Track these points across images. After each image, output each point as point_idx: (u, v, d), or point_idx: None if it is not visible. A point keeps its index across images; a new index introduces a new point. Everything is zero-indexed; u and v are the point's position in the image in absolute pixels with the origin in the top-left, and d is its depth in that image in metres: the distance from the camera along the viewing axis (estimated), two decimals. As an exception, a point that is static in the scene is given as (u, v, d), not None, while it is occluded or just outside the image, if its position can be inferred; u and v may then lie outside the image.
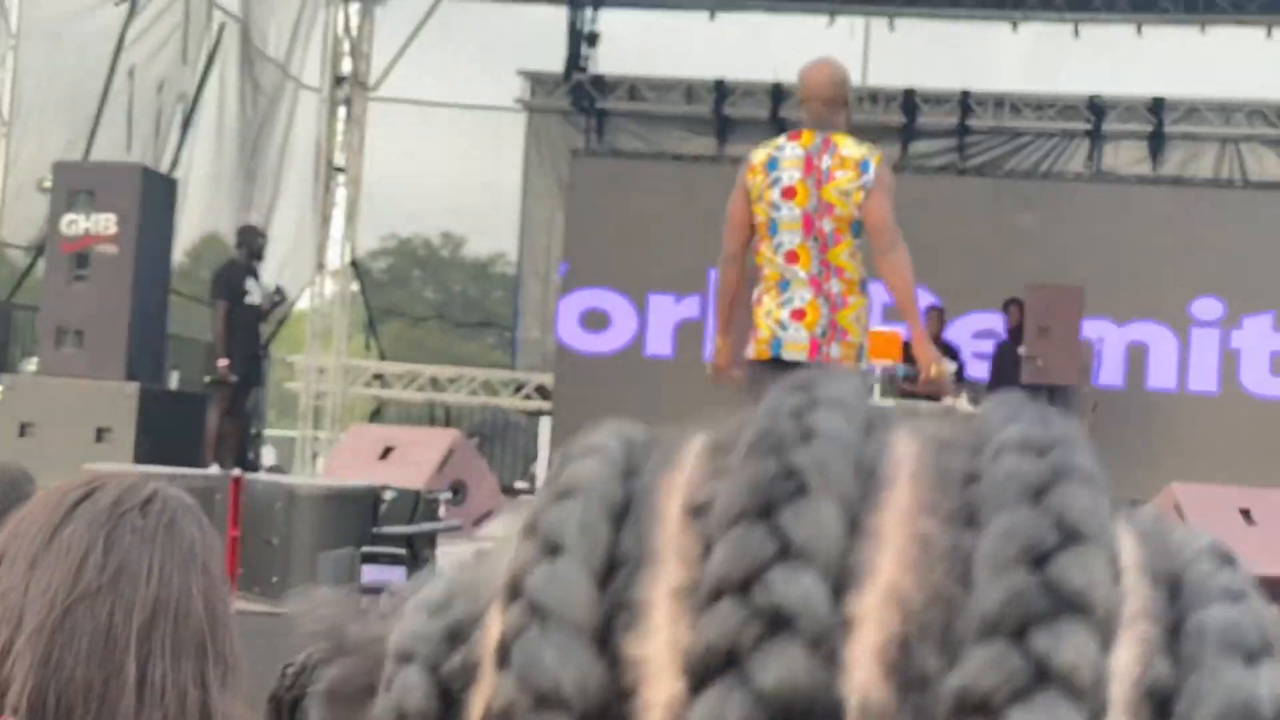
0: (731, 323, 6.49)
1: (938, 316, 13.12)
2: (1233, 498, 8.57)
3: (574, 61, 16.42)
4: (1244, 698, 0.45)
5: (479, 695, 0.47)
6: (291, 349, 17.15)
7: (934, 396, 12.66)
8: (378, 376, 16.70)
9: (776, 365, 6.31)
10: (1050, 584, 0.43)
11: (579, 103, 16.37)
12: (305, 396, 16.42)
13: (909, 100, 15.73)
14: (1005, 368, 13.49)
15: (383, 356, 16.91)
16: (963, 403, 12.72)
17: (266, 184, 15.38)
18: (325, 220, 16.58)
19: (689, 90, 16.21)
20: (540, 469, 15.82)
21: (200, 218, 14.41)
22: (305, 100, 16.08)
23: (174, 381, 12.31)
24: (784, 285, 6.31)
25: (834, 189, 6.21)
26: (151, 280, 10.26)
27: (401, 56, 16.72)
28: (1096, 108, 15.50)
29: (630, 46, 16.37)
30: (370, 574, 3.96)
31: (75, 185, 10.17)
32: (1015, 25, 15.77)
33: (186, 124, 13.89)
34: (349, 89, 16.63)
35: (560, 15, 16.49)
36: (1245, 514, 8.40)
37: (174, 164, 13.60)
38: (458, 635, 0.49)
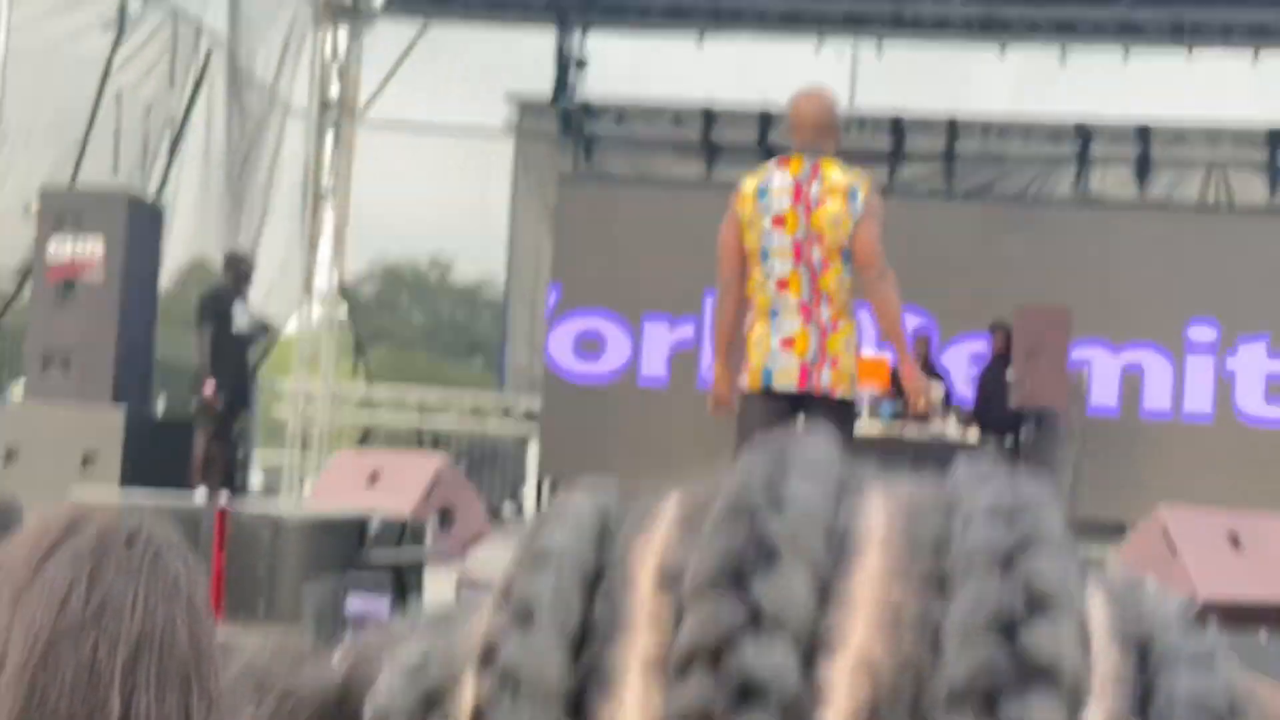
0: (730, 350, 6.53)
1: (924, 342, 13.14)
2: (1221, 523, 8.57)
3: (562, 86, 16.46)
4: None
5: None
6: (279, 373, 17.14)
7: (922, 418, 12.70)
8: (366, 401, 16.68)
9: (769, 396, 6.37)
10: (1019, 653, 0.43)
11: (567, 127, 16.40)
12: (293, 421, 16.41)
13: (896, 125, 15.77)
14: (991, 392, 13.52)
15: (370, 381, 16.89)
16: (950, 426, 12.76)
17: (254, 208, 15.38)
18: (313, 244, 16.57)
19: (677, 115, 16.25)
20: (528, 493, 15.82)
21: (187, 242, 14.40)
22: (293, 124, 16.10)
23: (161, 407, 12.30)
24: (774, 313, 6.35)
25: (823, 216, 6.26)
26: (138, 306, 10.27)
27: (390, 80, 16.74)
28: (1083, 133, 15.55)
29: (618, 71, 16.41)
30: (355, 604, 3.95)
31: (62, 210, 10.18)
32: (1002, 50, 15.81)
33: (174, 148, 13.89)
34: (337, 113, 16.65)
35: (548, 40, 16.53)
36: (1233, 539, 8.41)
37: (161, 188, 13.61)
38: (433, 701, 0.49)
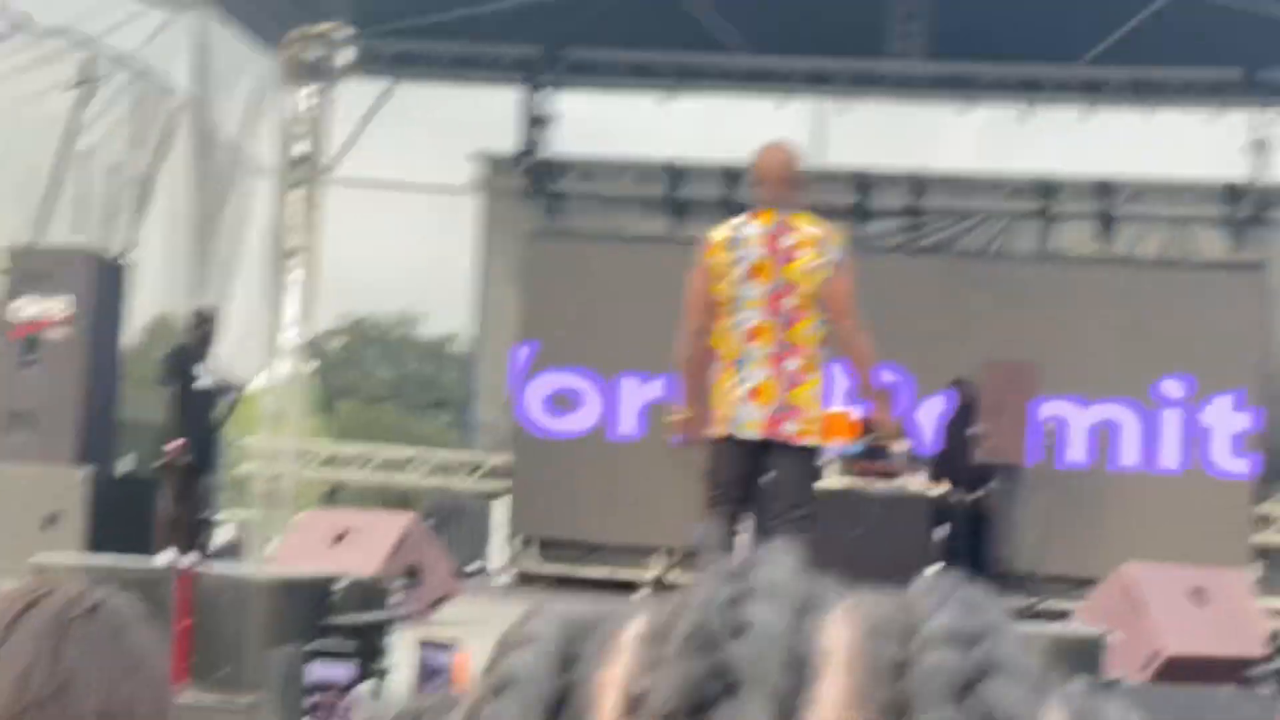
0: (697, 394, 6.58)
1: (886, 397, 13.16)
2: (1185, 578, 8.61)
3: (529, 143, 16.51)
4: None
5: None
6: (245, 431, 17.07)
7: (889, 475, 12.73)
8: (332, 458, 16.63)
9: (736, 444, 6.45)
10: None
11: (534, 184, 16.43)
12: (259, 479, 16.33)
13: (861, 181, 15.84)
14: (954, 447, 13.55)
15: (337, 437, 16.84)
16: (916, 480, 12.79)
17: (221, 265, 15.35)
18: (280, 301, 16.55)
19: (643, 172, 16.31)
20: (494, 551, 15.77)
21: (153, 300, 14.38)
22: (260, 182, 16.09)
23: (125, 466, 12.24)
24: (740, 363, 6.40)
25: (798, 268, 6.33)
26: (103, 365, 10.24)
27: (357, 138, 16.77)
28: (1046, 188, 15.66)
29: (585, 129, 16.49)
30: (317, 671, 3.93)
31: (27, 270, 10.15)
32: (966, 107, 15.94)
33: (140, 207, 13.87)
34: (304, 170, 16.65)
35: (515, 98, 16.59)
36: (1197, 594, 8.44)
37: (127, 247, 13.58)
38: None
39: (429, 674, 4.14)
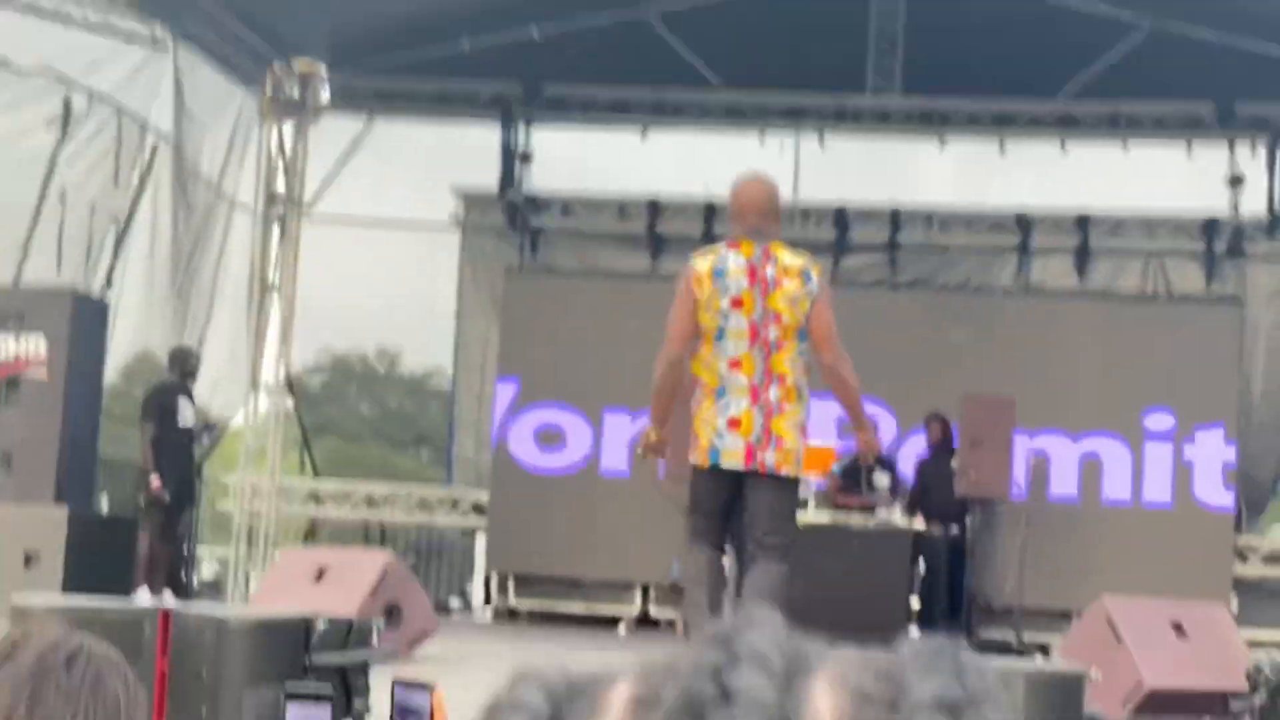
0: (667, 420, 6.64)
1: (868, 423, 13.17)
2: (1165, 611, 8.62)
3: (508, 179, 16.54)
4: None
5: None
6: (225, 468, 17.04)
7: (868, 508, 12.75)
8: (312, 495, 16.59)
9: (716, 472, 6.50)
10: None
11: (513, 220, 16.46)
12: (239, 516, 16.29)
13: (840, 216, 15.91)
14: (932, 481, 13.57)
15: (317, 474, 16.81)
16: (897, 514, 12.81)
17: (200, 303, 15.35)
18: (260, 337, 16.54)
19: (622, 208, 16.35)
20: (475, 587, 15.74)
21: (133, 338, 14.36)
22: (239, 219, 16.10)
23: (104, 505, 12.19)
24: (721, 392, 6.45)
25: (781, 297, 6.39)
26: (82, 404, 10.23)
27: (336, 175, 16.79)
28: (1024, 223, 15.74)
29: (563, 165, 16.52)
30: (295, 713, 3.92)
31: (6, 309, 10.14)
32: (943, 142, 16.02)
33: (119, 244, 13.87)
34: (283, 207, 16.67)
35: (493, 134, 16.62)
36: (1177, 627, 8.46)
37: (107, 284, 13.58)
38: None
39: (404, 714, 4.13)
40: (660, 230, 16.10)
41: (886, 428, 13.82)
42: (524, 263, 16.26)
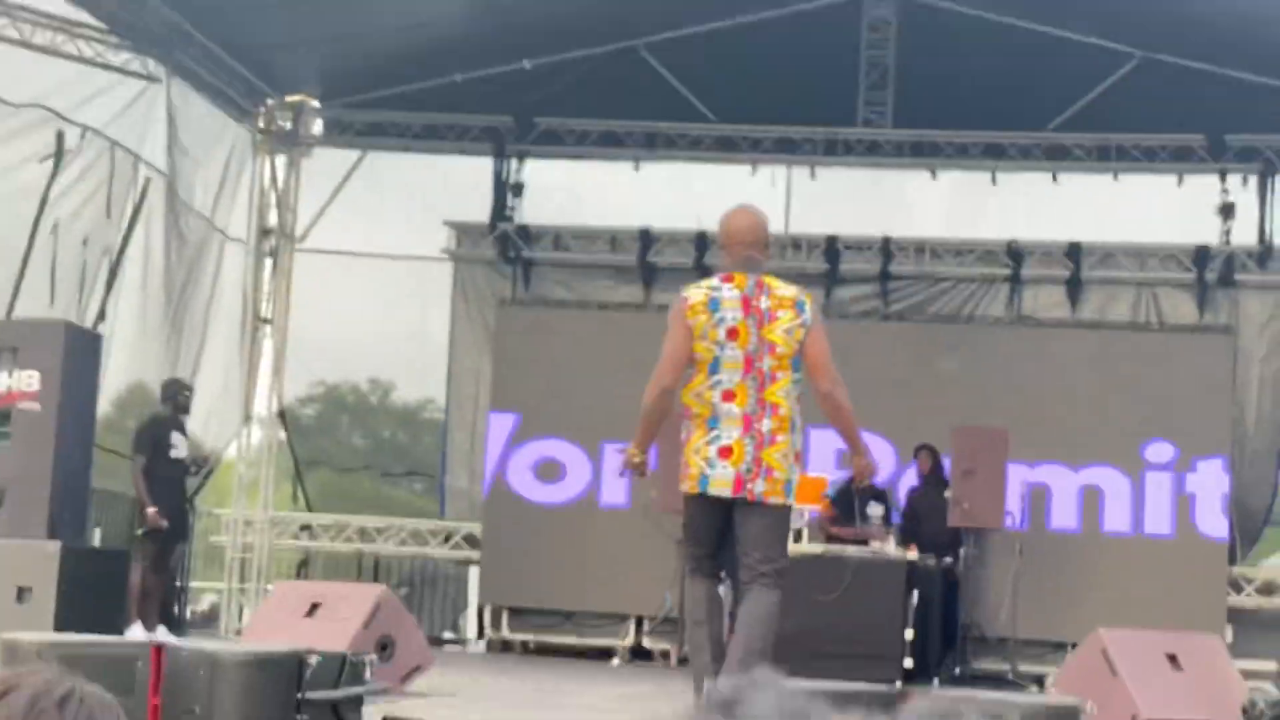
0: (650, 445, 6.69)
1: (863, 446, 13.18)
2: (1160, 643, 8.61)
3: (500, 211, 16.56)
4: None
5: None
6: (218, 501, 17.02)
7: (861, 541, 12.74)
8: (305, 527, 16.57)
9: (705, 500, 6.53)
10: None
11: (505, 252, 16.48)
12: (231, 549, 16.27)
13: (831, 247, 15.93)
14: (923, 512, 13.57)
15: (309, 507, 16.79)
16: (890, 544, 12.79)
17: (193, 335, 15.34)
18: (252, 369, 16.54)
19: (614, 239, 16.37)
20: (469, 620, 15.71)
21: (126, 370, 14.35)
22: (232, 251, 16.11)
23: (96, 538, 12.16)
24: (712, 422, 6.48)
25: (777, 328, 6.44)
26: (75, 437, 10.20)
27: (328, 208, 16.81)
28: (1015, 253, 15.76)
29: (555, 196, 16.55)
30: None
31: (-2, 343, 10.12)
32: (934, 173, 16.06)
33: (112, 277, 13.87)
34: (275, 240, 16.69)
35: (485, 166, 16.66)
36: (1172, 659, 8.44)
37: (99, 317, 13.57)
38: None
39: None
40: (653, 261, 16.13)
41: (886, 460, 13.80)
42: (516, 294, 16.28)
